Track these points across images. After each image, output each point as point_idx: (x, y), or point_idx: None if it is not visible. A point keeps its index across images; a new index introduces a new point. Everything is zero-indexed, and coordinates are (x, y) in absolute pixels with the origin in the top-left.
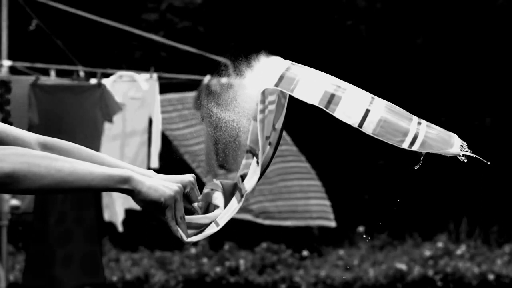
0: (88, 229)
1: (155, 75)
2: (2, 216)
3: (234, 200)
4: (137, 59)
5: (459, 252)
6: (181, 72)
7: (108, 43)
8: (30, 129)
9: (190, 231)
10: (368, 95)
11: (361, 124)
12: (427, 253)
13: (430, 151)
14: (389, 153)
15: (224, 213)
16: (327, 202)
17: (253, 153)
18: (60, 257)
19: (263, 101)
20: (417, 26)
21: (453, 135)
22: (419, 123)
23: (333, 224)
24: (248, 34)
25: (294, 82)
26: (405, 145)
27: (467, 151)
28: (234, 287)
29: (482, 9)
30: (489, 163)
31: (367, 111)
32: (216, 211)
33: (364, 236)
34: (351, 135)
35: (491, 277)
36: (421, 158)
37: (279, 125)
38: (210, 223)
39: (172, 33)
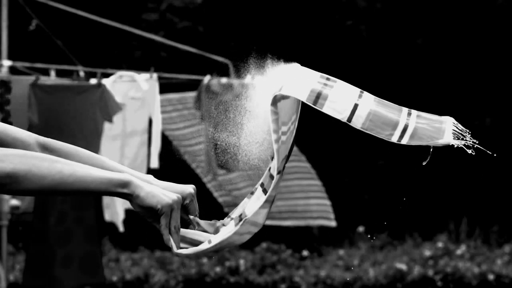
0: (88, 229)
1: (155, 75)
2: (2, 216)
3: (232, 223)
4: (137, 59)
5: (459, 252)
6: (181, 72)
7: (108, 43)
8: (30, 129)
9: (182, 244)
10: (356, 90)
11: (350, 119)
12: (427, 253)
13: (420, 143)
14: (389, 153)
15: (220, 233)
16: (327, 202)
17: (263, 188)
18: (60, 257)
19: (276, 131)
20: (417, 26)
21: (445, 121)
22: (409, 114)
23: (333, 223)
24: (248, 34)
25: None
26: (394, 139)
27: (462, 138)
28: (234, 287)
29: (482, 9)
30: (494, 155)
31: (356, 105)
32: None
33: (369, 236)
34: (351, 135)
35: (491, 277)
36: (429, 154)
37: (287, 153)
38: (204, 241)
39: (172, 33)
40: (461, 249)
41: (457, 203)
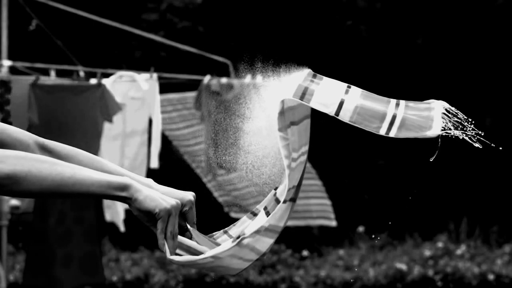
0: (88, 229)
1: (155, 75)
2: (2, 216)
3: (230, 240)
4: (137, 59)
5: (459, 252)
6: (181, 72)
7: (108, 43)
8: (30, 129)
9: (178, 251)
10: (343, 86)
11: (337, 113)
12: (427, 253)
13: (408, 135)
14: (390, 153)
15: (216, 248)
16: (328, 202)
17: (266, 211)
18: (60, 257)
19: (288, 157)
20: (417, 26)
21: (434, 107)
22: (397, 104)
23: (333, 223)
24: (248, 34)
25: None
26: (382, 131)
27: (462, 128)
28: (234, 287)
29: (482, 9)
30: (500, 148)
31: (342, 100)
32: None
33: (373, 237)
34: (351, 135)
35: (491, 277)
36: (437, 150)
37: (295, 183)
38: (200, 253)
39: (172, 33)
40: (461, 249)
41: (457, 203)
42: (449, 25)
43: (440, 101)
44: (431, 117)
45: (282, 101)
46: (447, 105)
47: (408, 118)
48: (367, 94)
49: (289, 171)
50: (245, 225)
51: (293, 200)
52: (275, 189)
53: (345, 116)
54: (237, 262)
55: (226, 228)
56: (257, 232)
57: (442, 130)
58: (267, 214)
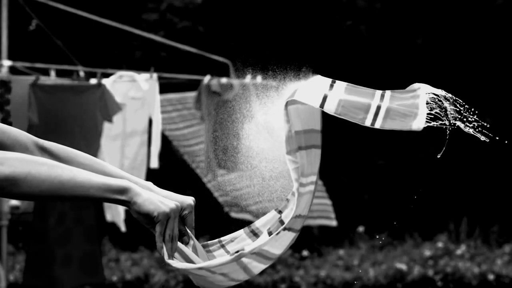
0: (87, 229)
1: (155, 75)
2: (2, 216)
3: (226, 255)
4: (137, 59)
5: (459, 252)
6: (181, 72)
7: (108, 43)
8: (30, 129)
9: (177, 255)
10: (327, 81)
11: (322, 106)
12: (427, 253)
13: (394, 126)
14: (390, 153)
15: (213, 260)
16: (328, 201)
17: (269, 231)
18: (60, 257)
19: (297, 180)
20: (417, 26)
21: (419, 95)
22: (383, 96)
23: (334, 223)
24: (248, 34)
25: None
26: (368, 123)
27: (460, 119)
28: (234, 287)
29: (481, 9)
30: (506, 142)
31: (326, 95)
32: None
33: (377, 237)
34: (352, 135)
35: (491, 277)
36: (443, 147)
37: (302, 213)
38: (195, 262)
39: (172, 33)
40: (461, 249)
41: (457, 203)
42: (449, 25)
43: (425, 85)
44: (416, 105)
45: (289, 125)
46: (436, 91)
47: (392, 108)
48: (352, 88)
49: (297, 195)
50: (244, 243)
51: (297, 231)
52: (279, 212)
53: (329, 109)
54: (227, 282)
55: (222, 240)
56: (257, 254)
57: (431, 118)
58: (270, 234)
